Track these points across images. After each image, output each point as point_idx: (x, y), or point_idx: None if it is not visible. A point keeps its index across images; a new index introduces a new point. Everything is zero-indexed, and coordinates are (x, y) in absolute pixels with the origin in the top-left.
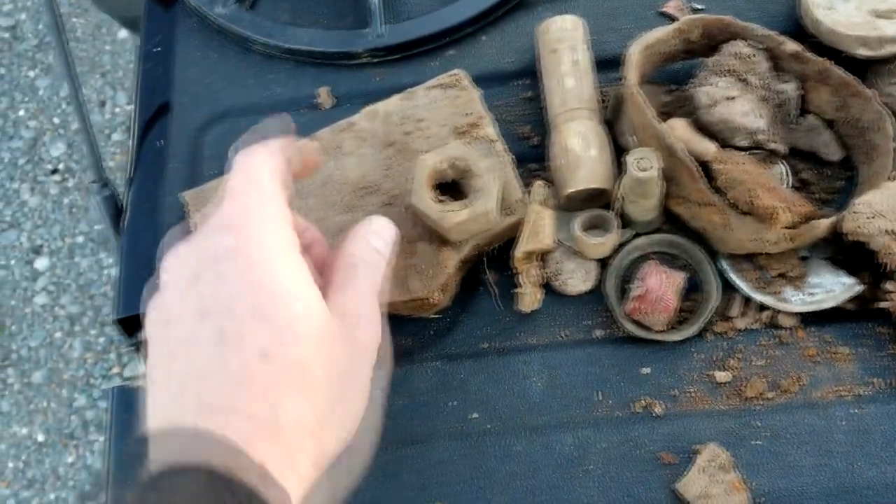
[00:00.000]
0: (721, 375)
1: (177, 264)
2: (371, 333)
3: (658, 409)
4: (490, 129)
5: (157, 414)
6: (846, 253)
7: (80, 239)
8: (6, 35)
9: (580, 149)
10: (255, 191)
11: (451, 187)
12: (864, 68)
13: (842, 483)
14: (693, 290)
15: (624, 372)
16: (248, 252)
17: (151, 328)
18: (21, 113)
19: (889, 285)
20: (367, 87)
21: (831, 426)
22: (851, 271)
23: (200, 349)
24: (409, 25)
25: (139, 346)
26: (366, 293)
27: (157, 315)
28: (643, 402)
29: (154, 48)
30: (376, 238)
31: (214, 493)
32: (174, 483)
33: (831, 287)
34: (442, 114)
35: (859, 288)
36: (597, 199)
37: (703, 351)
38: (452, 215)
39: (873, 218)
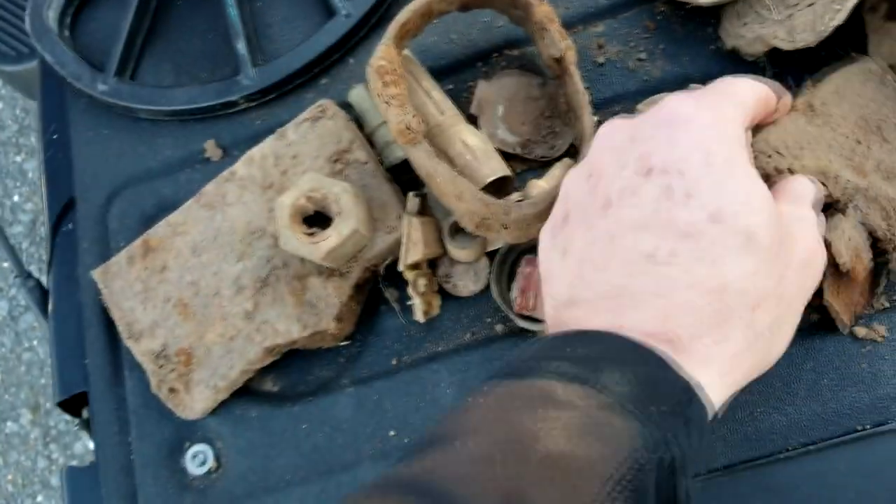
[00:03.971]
0: None
1: (616, 128)
2: (808, 253)
3: None
4: (361, 152)
5: (578, 272)
6: None
7: None
8: None
9: (482, 142)
10: (728, 100)
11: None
12: (717, 16)
13: (746, 433)
14: None
15: None
16: (704, 123)
17: (572, 185)
18: (16, 199)
19: None
20: (251, 131)
21: None
22: None
23: (642, 202)
24: (277, 65)
25: (87, 425)
26: (806, 220)
27: (582, 172)
28: None
29: (52, 135)
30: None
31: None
32: (611, 351)
33: None
34: (313, 146)
35: None
36: (501, 188)
37: None
38: (321, 245)
39: (770, 157)
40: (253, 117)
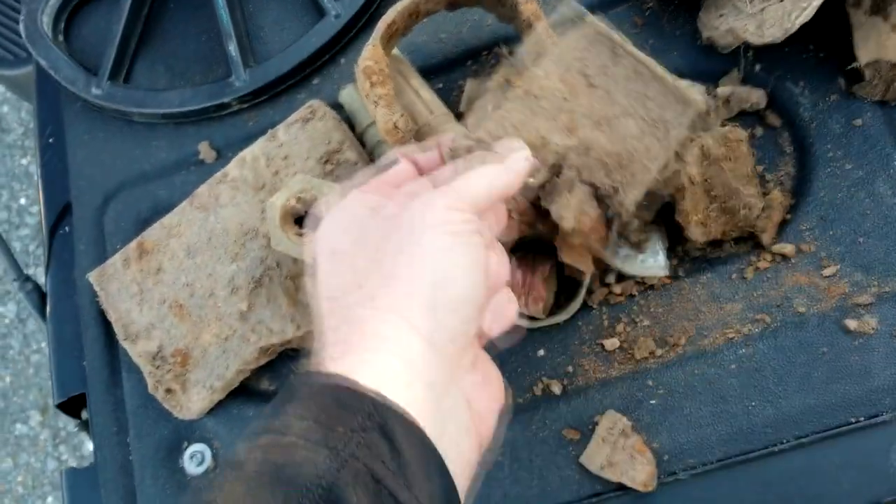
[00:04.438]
0: (610, 343)
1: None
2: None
3: (556, 389)
4: (350, 153)
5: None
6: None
7: None
8: None
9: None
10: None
11: None
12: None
13: (740, 426)
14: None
15: (521, 358)
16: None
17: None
18: (23, 201)
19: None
20: (244, 132)
21: (722, 372)
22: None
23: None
24: (268, 66)
25: (86, 426)
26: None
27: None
28: (542, 384)
29: (48, 139)
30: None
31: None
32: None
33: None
34: (304, 147)
35: None
36: None
37: (591, 322)
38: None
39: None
40: (246, 118)
